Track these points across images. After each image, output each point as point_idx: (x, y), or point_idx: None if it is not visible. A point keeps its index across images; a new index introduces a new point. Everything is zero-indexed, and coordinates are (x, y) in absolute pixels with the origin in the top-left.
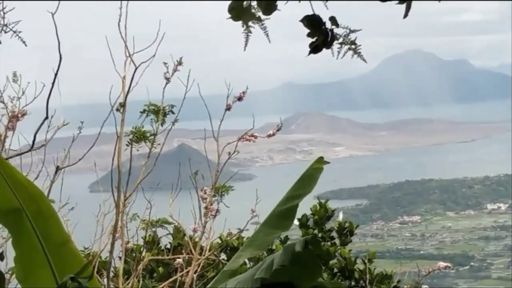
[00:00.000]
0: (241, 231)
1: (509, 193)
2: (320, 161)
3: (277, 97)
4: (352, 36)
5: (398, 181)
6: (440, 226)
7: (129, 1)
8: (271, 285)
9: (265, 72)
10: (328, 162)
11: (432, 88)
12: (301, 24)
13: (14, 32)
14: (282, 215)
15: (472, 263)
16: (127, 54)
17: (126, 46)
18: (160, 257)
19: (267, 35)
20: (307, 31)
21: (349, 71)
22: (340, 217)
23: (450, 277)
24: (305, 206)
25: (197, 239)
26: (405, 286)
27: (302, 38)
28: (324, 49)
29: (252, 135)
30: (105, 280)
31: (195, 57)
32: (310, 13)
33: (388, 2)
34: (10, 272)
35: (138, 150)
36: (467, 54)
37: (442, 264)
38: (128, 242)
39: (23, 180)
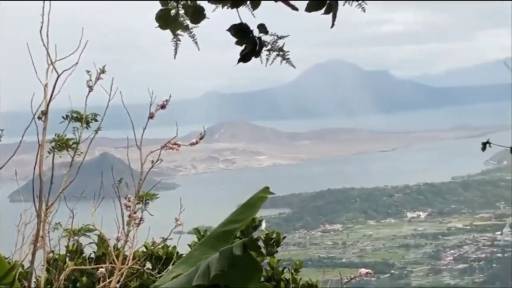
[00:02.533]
0: (164, 240)
1: (429, 201)
2: (265, 191)
3: (201, 106)
4: (280, 43)
5: (320, 189)
6: (362, 234)
7: (53, 8)
8: None
9: (189, 81)
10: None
11: (355, 98)
12: (227, 33)
13: None
14: (220, 237)
15: (392, 271)
16: (49, 62)
17: (48, 53)
18: (83, 266)
19: (196, 43)
20: (233, 40)
21: (273, 80)
22: (263, 226)
23: (372, 285)
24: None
25: (120, 248)
26: None
27: (226, 47)
28: (253, 58)
29: (175, 143)
30: None
31: (121, 66)
32: (238, 21)
33: (312, 13)
34: None
35: (60, 157)
36: (388, 64)
37: (363, 270)
38: (50, 252)
39: None
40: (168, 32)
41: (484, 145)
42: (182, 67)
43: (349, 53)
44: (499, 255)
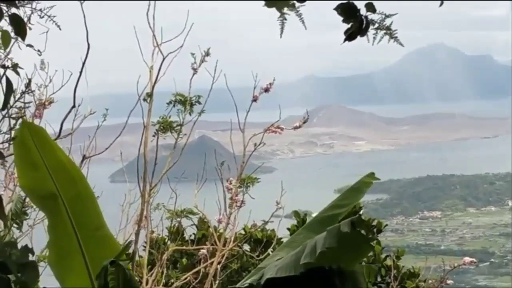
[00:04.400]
0: (265, 222)
1: None
2: (371, 176)
3: (299, 90)
4: (388, 21)
5: (419, 176)
6: (461, 221)
7: None
8: (312, 270)
9: (286, 64)
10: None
11: (456, 83)
12: (325, 15)
13: (49, 17)
14: (324, 221)
15: (492, 260)
16: (155, 44)
17: (154, 36)
18: (184, 247)
19: (303, 22)
20: (333, 22)
21: (373, 64)
22: (360, 212)
23: (470, 273)
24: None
25: (221, 230)
26: (430, 281)
27: (327, 29)
28: (357, 38)
29: (278, 127)
30: None
31: (224, 49)
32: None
33: None
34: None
35: (164, 139)
36: (491, 49)
37: (467, 259)
38: (152, 232)
39: (66, 162)
40: (269, 13)
41: None
42: (281, 50)
43: (450, 37)
44: None
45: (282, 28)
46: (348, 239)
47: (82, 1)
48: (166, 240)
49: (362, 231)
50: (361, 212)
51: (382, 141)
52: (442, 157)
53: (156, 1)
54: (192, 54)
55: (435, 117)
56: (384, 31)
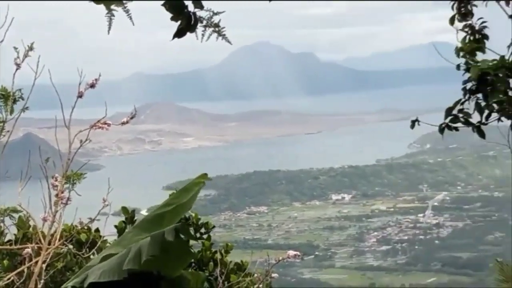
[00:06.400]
0: (92, 220)
1: (353, 184)
2: (203, 176)
3: (128, 87)
4: (216, 19)
5: (246, 171)
6: (287, 216)
7: None
8: (137, 274)
9: (116, 62)
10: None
11: (281, 80)
12: (156, 14)
13: None
14: (153, 220)
15: (317, 253)
16: None
17: None
18: (6, 247)
19: (131, 18)
20: (164, 22)
21: (201, 62)
22: None
23: (296, 266)
24: (158, 198)
25: (46, 229)
26: (255, 275)
27: (157, 28)
28: (187, 35)
29: (105, 123)
30: None
31: (50, 45)
32: None
33: None
34: None
35: None
36: (314, 47)
37: (291, 252)
38: None
39: None
40: (99, 11)
41: (413, 123)
42: (109, 48)
43: (276, 35)
44: (421, 237)
45: (110, 25)
46: (172, 246)
47: None
48: None
49: (190, 229)
50: (190, 212)
51: (210, 137)
52: (269, 153)
53: None
54: (15, 48)
55: (262, 113)
56: (213, 29)
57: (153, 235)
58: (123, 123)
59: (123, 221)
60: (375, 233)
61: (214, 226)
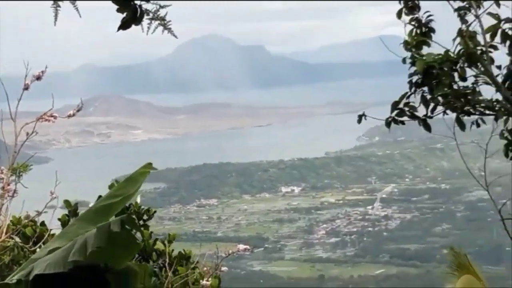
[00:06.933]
0: (39, 213)
1: (303, 176)
2: (148, 166)
3: (76, 79)
4: (162, 12)
5: (196, 164)
6: (237, 209)
7: None
8: (83, 266)
9: (64, 55)
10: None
11: (231, 73)
12: (104, 7)
13: None
14: (99, 211)
15: (266, 245)
16: None
17: None
18: None
19: (77, 10)
20: (112, 14)
21: (150, 55)
22: (138, 200)
23: (246, 259)
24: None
25: None
26: (205, 268)
27: (105, 20)
28: (133, 27)
29: (51, 115)
30: None
31: None
32: None
33: None
34: None
35: None
36: (264, 40)
37: (241, 246)
38: None
39: None
40: (45, 2)
41: (360, 117)
42: (58, 39)
43: (225, 28)
44: (370, 229)
45: (56, 16)
46: (118, 238)
47: None
48: None
49: (134, 218)
50: (137, 200)
51: (159, 130)
52: (219, 146)
53: None
54: None
55: (211, 106)
56: (159, 22)
57: (99, 226)
58: (69, 116)
59: (66, 215)
60: (324, 225)
61: (155, 211)
